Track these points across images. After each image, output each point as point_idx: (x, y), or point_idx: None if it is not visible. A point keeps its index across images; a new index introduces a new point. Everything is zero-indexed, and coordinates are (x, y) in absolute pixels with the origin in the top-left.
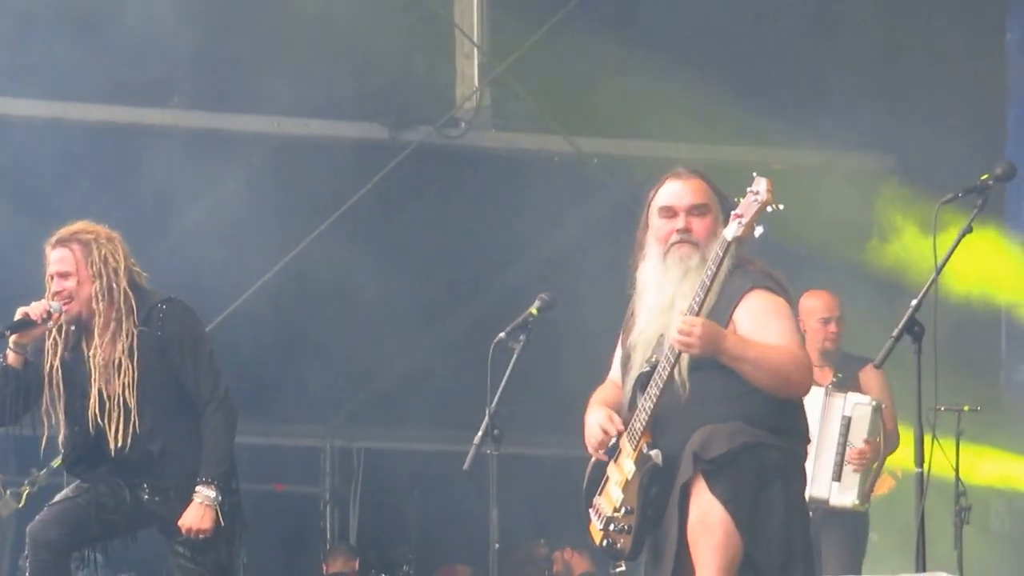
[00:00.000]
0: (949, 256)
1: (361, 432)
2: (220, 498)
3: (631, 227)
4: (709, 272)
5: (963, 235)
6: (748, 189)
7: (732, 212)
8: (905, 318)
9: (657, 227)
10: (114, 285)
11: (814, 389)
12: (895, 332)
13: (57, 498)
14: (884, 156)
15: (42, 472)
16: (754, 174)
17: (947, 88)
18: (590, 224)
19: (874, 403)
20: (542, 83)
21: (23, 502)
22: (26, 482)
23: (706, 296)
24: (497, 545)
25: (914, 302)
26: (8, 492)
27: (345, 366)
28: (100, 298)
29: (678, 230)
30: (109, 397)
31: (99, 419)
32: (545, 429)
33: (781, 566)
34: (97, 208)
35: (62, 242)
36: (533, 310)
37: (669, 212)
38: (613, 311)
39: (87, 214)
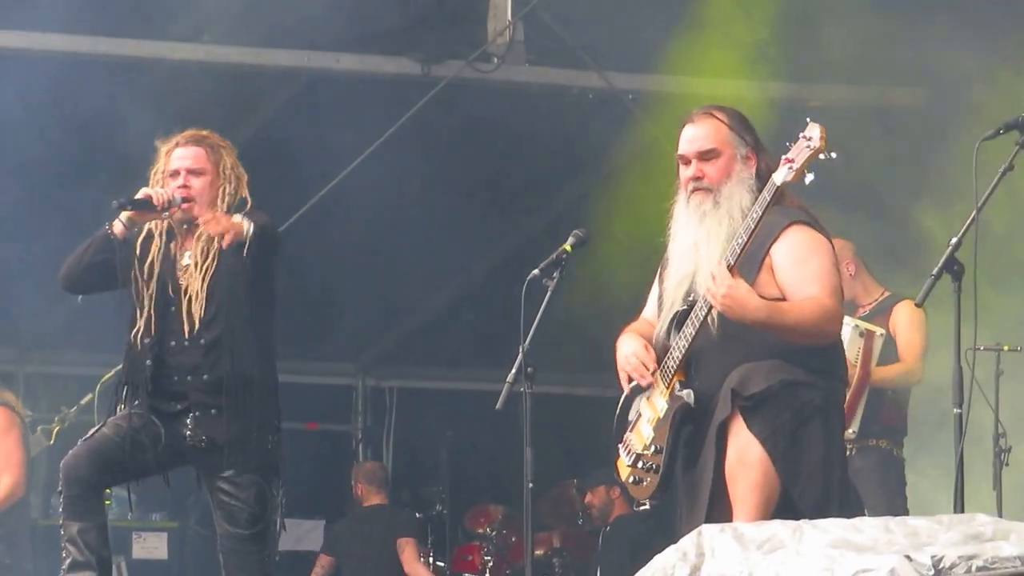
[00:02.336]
0: (990, 194)
1: (393, 371)
2: (251, 229)
3: (665, 164)
4: (754, 215)
5: (1004, 173)
6: (800, 134)
7: (784, 156)
8: (944, 257)
9: (680, 174)
10: (236, 192)
11: None
12: (934, 271)
13: (90, 434)
14: (917, 91)
15: (72, 409)
16: (808, 119)
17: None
18: (624, 161)
19: (858, 326)
20: (576, 17)
21: (53, 439)
22: (56, 419)
23: (748, 239)
24: (531, 485)
25: (953, 240)
26: (39, 429)
27: (377, 304)
28: (221, 201)
29: (691, 178)
30: (191, 293)
31: (172, 309)
32: (579, 368)
33: (818, 504)
34: (124, 142)
35: (195, 141)
36: (567, 247)
37: (683, 160)
38: (646, 248)
39: (114, 148)
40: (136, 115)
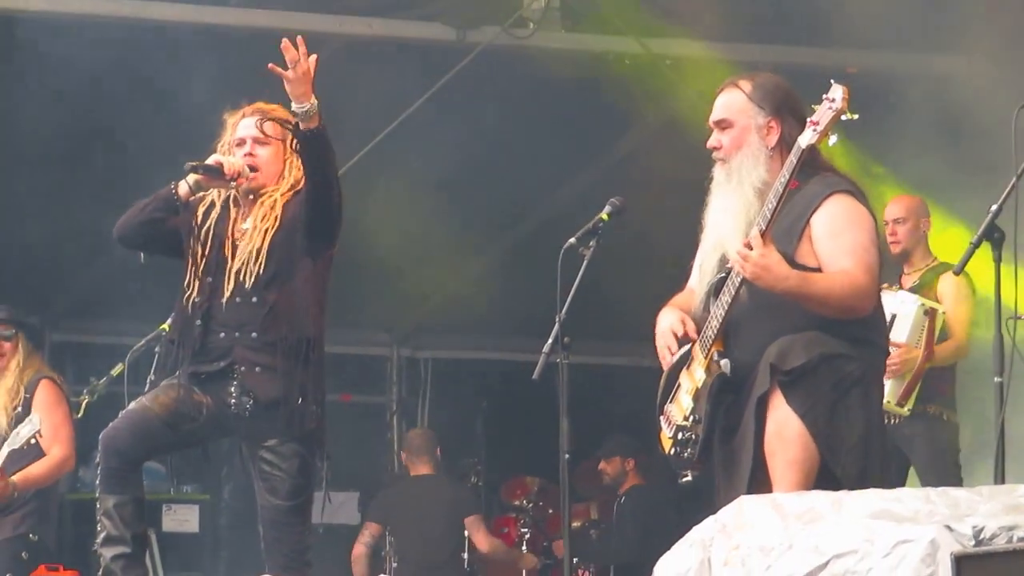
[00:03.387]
0: None
1: (428, 341)
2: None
3: (701, 130)
4: (782, 180)
5: None
6: (824, 96)
7: (809, 119)
8: (985, 224)
9: None
10: (299, 164)
11: None
12: (974, 238)
13: (132, 406)
14: (957, 58)
15: (101, 381)
16: (831, 81)
17: None
18: (661, 127)
19: (923, 304)
20: None
21: (82, 412)
22: (84, 391)
23: (778, 204)
24: (567, 456)
25: (994, 207)
26: None
27: (412, 274)
28: (288, 173)
29: (711, 147)
30: (249, 251)
31: (226, 270)
32: (617, 338)
33: (858, 477)
34: (149, 109)
35: (263, 113)
36: (604, 215)
37: (711, 128)
38: (685, 215)
39: (139, 116)
40: (163, 79)
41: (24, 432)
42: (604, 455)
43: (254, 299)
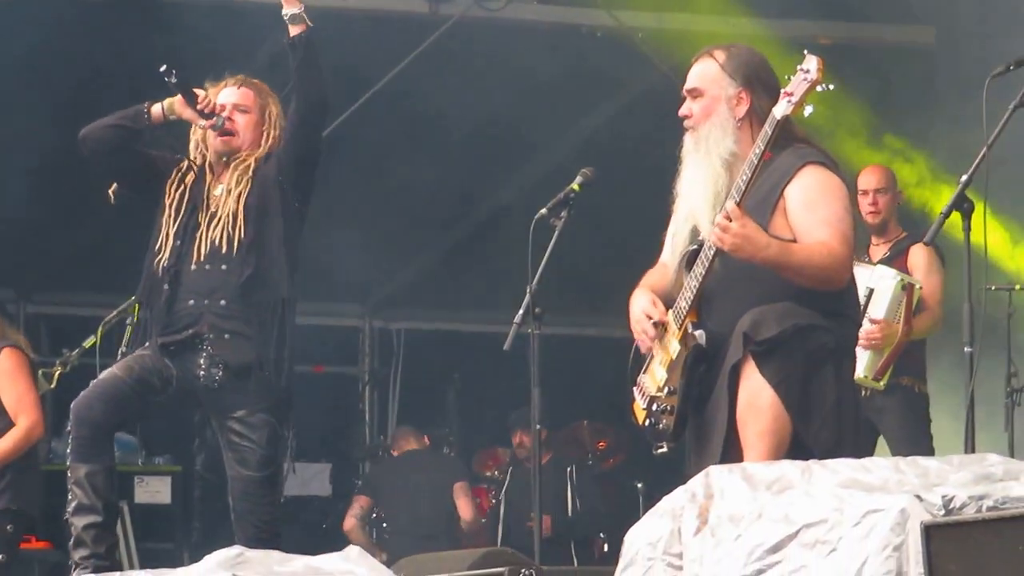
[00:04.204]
0: (1000, 131)
1: (400, 312)
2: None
3: (673, 103)
4: (757, 151)
5: (1015, 109)
6: (799, 67)
7: (783, 90)
8: (955, 194)
9: None
10: (277, 141)
11: None
12: (944, 208)
13: (103, 375)
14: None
15: (74, 352)
16: (805, 52)
17: None
18: (632, 99)
19: (901, 279)
20: None
21: (54, 383)
22: (57, 362)
23: (753, 175)
24: (539, 427)
25: (964, 178)
26: (40, 372)
27: (384, 244)
28: (265, 143)
29: (682, 115)
30: (222, 216)
31: (198, 234)
32: (589, 309)
33: (831, 448)
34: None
35: (244, 83)
36: (575, 186)
37: (683, 97)
38: (655, 187)
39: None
40: (129, 49)
41: None
42: (518, 427)
43: (223, 266)
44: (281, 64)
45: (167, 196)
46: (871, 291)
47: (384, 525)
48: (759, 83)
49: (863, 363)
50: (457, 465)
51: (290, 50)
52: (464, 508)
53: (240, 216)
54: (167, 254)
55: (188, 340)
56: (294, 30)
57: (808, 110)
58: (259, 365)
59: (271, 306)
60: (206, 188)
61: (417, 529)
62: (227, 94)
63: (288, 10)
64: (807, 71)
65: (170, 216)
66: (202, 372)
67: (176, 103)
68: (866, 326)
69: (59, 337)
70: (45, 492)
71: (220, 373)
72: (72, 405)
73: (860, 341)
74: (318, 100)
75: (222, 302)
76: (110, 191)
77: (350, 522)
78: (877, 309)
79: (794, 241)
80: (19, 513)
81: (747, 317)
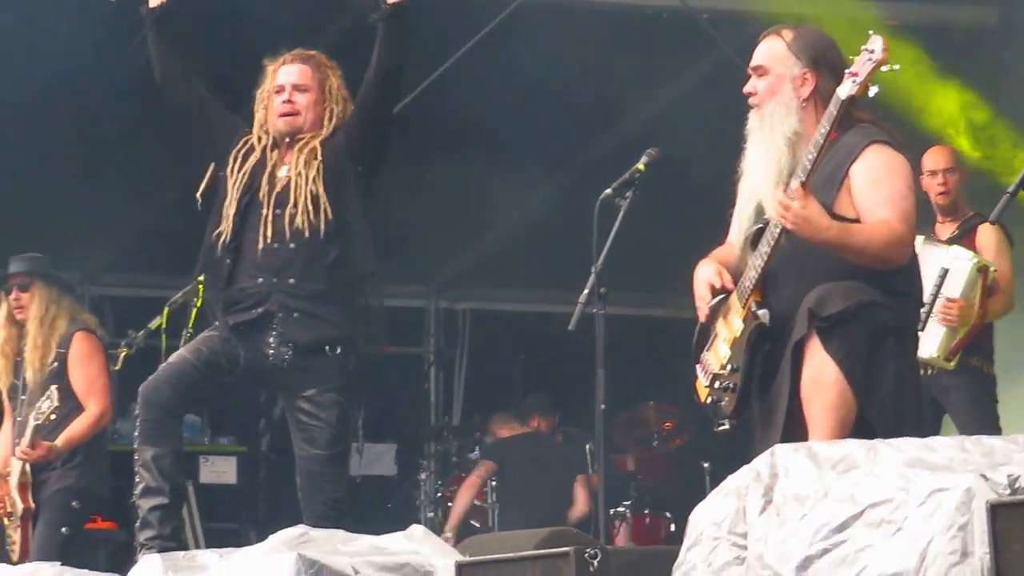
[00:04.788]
0: None
1: (466, 293)
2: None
3: (738, 84)
4: (822, 131)
5: None
6: (863, 47)
7: (847, 71)
8: (1022, 173)
9: None
10: (343, 114)
11: None
12: (1011, 187)
13: (171, 358)
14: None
15: (139, 334)
16: (870, 32)
17: None
18: (697, 81)
19: (977, 261)
20: None
21: (119, 364)
22: (123, 344)
23: (819, 154)
24: (603, 406)
25: None
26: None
27: (451, 225)
28: (328, 121)
29: (747, 92)
30: (289, 199)
31: (262, 214)
32: (654, 288)
33: (894, 425)
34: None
35: (302, 59)
36: (640, 166)
37: (749, 74)
38: (721, 167)
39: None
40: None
41: (44, 407)
42: (663, 407)
43: (293, 245)
44: (349, 42)
45: (229, 172)
46: (946, 271)
47: (496, 495)
48: (824, 64)
49: (936, 343)
50: (582, 456)
51: (384, 18)
52: (582, 500)
53: (319, 199)
54: (229, 233)
55: (257, 319)
56: None
57: (873, 91)
58: (330, 344)
59: (354, 285)
60: (270, 168)
61: (532, 507)
62: (284, 73)
63: None
64: (872, 51)
65: (232, 195)
66: (271, 351)
67: None
68: (941, 304)
69: (124, 319)
70: (111, 473)
71: (289, 352)
72: (141, 388)
73: (935, 318)
74: (397, 69)
75: (291, 281)
76: (198, 195)
77: (472, 480)
78: (952, 289)
79: (857, 220)
80: (86, 491)
81: (812, 294)
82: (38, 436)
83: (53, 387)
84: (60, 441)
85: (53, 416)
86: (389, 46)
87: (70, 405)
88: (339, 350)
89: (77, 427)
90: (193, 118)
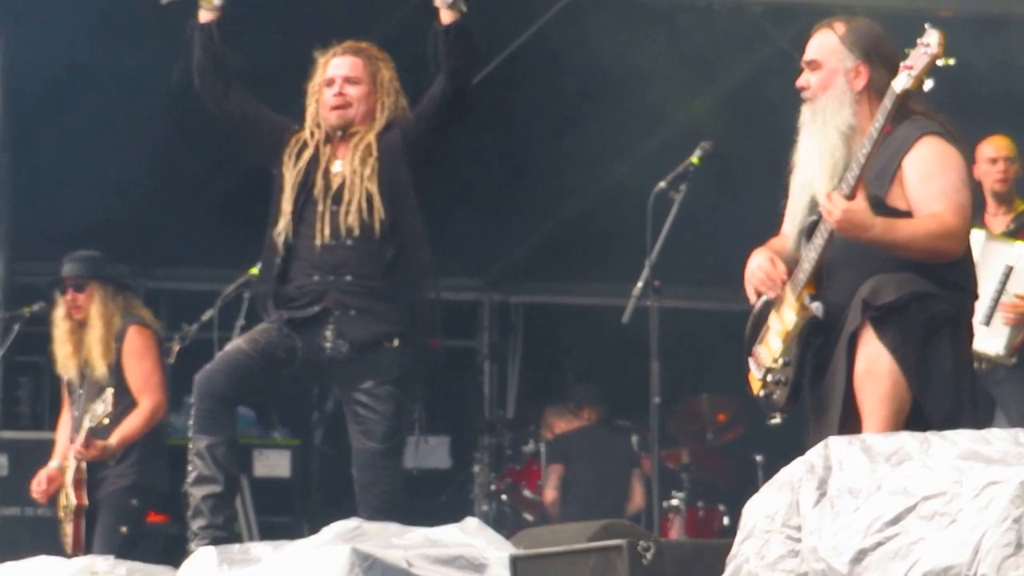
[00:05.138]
0: None
1: (520, 286)
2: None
3: (792, 76)
4: (877, 125)
5: None
6: (918, 40)
7: (902, 64)
8: None
9: None
10: (395, 106)
11: (975, 233)
12: None
13: (227, 348)
14: None
15: (192, 327)
16: (926, 25)
17: None
18: (751, 73)
19: None
20: None
21: (173, 358)
22: (176, 337)
23: (873, 149)
24: (658, 399)
25: None
26: None
27: (502, 217)
28: (380, 113)
29: (800, 87)
30: (345, 196)
31: (318, 211)
32: (708, 281)
33: (948, 416)
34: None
35: (353, 51)
36: (694, 159)
37: (802, 68)
38: (774, 160)
39: None
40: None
41: (99, 411)
42: (717, 399)
43: (350, 243)
44: (398, 41)
45: (284, 168)
46: (1010, 269)
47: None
48: (878, 56)
49: (1002, 340)
50: (634, 449)
51: (444, 37)
52: (638, 494)
53: (374, 196)
54: (284, 229)
55: (314, 316)
56: (448, 16)
57: (928, 84)
58: (387, 339)
59: (410, 281)
60: (324, 164)
61: (594, 501)
62: (336, 65)
63: None
64: (927, 44)
65: (287, 192)
66: (328, 345)
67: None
68: (1007, 302)
69: (178, 312)
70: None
71: (346, 347)
72: (196, 377)
73: (1000, 316)
74: (466, 89)
75: (348, 278)
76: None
77: (550, 495)
78: (1018, 286)
79: (910, 213)
80: (145, 489)
81: (866, 285)
82: (94, 435)
83: (108, 390)
84: (114, 439)
85: (106, 420)
86: (455, 63)
87: (125, 402)
88: (396, 344)
89: (131, 424)
90: (235, 125)
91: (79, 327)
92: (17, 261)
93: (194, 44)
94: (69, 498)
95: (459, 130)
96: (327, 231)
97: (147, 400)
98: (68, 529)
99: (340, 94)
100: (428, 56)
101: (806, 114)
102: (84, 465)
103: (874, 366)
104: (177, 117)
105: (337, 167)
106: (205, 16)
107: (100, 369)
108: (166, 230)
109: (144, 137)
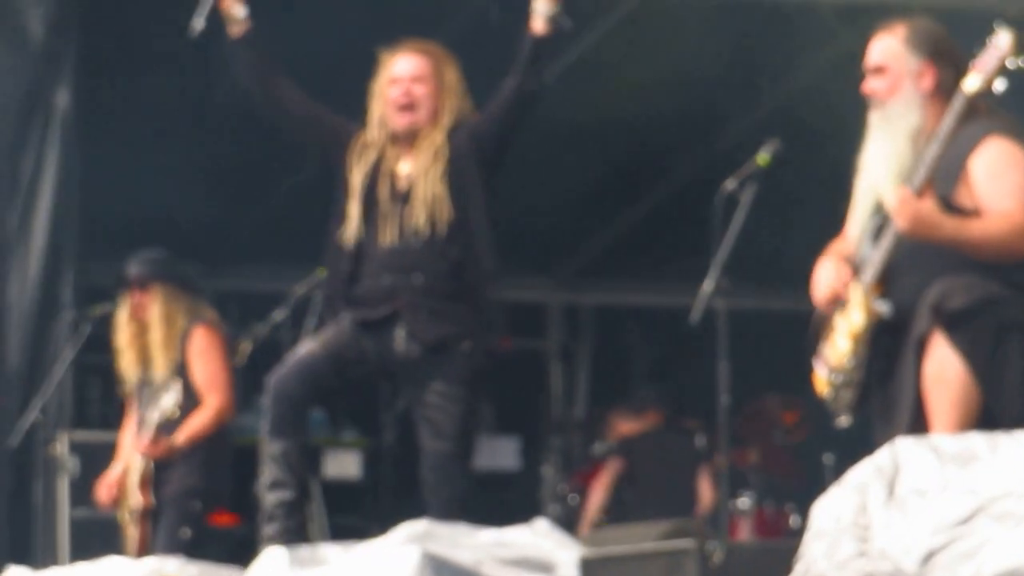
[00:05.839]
0: None
1: (589, 285)
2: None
3: (858, 76)
4: (946, 126)
5: None
6: (988, 41)
7: (972, 64)
8: None
9: None
10: (460, 107)
11: None
12: None
13: (299, 350)
14: None
15: (263, 327)
16: (995, 25)
17: None
18: (820, 72)
19: None
20: None
21: (244, 358)
22: (247, 338)
23: (940, 150)
24: (726, 399)
25: None
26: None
27: (571, 217)
28: (448, 115)
29: (867, 92)
30: (413, 196)
31: (387, 212)
32: (776, 281)
33: (1018, 418)
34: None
35: (417, 51)
36: (761, 159)
37: (866, 73)
38: (841, 160)
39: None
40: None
41: (169, 403)
42: (789, 400)
43: (419, 244)
44: (470, 41)
45: (349, 170)
46: None
47: (627, 491)
48: (942, 56)
49: None
50: (703, 448)
51: (531, 45)
52: (707, 492)
53: (442, 198)
54: (352, 230)
55: (385, 318)
56: (543, 27)
57: (999, 85)
58: (457, 340)
59: (478, 282)
60: (390, 164)
61: (663, 502)
62: (400, 65)
63: (549, 8)
64: (997, 46)
65: (353, 192)
66: (400, 346)
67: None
68: None
69: (249, 312)
70: (234, 466)
71: (417, 348)
72: (269, 380)
73: None
74: (537, 92)
75: (418, 279)
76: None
77: (604, 479)
78: None
79: (977, 212)
80: (208, 491)
81: (935, 289)
82: (161, 433)
83: (176, 384)
84: (180, 437)
85: (178, 412)
86: (532, 69)
87: (191, 402)
88: (466, 345)
89: (197, 423)
90: (297, 128)
91: (142, 328)
92: (87, 262)
93: (236, 61)
94: (135, 499)
95: (532, 128)
96: (395, 232)
97: (213, 399)
98: (132, 531)
99: (406, 93)
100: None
101: (875, 118)
102: (151, 465)
103: (944, 371)
104: (245, 114)
105: (404, 167)
106: (236, 30)
107: (163, 370)
108: (235, 229)
109: (214, 135)
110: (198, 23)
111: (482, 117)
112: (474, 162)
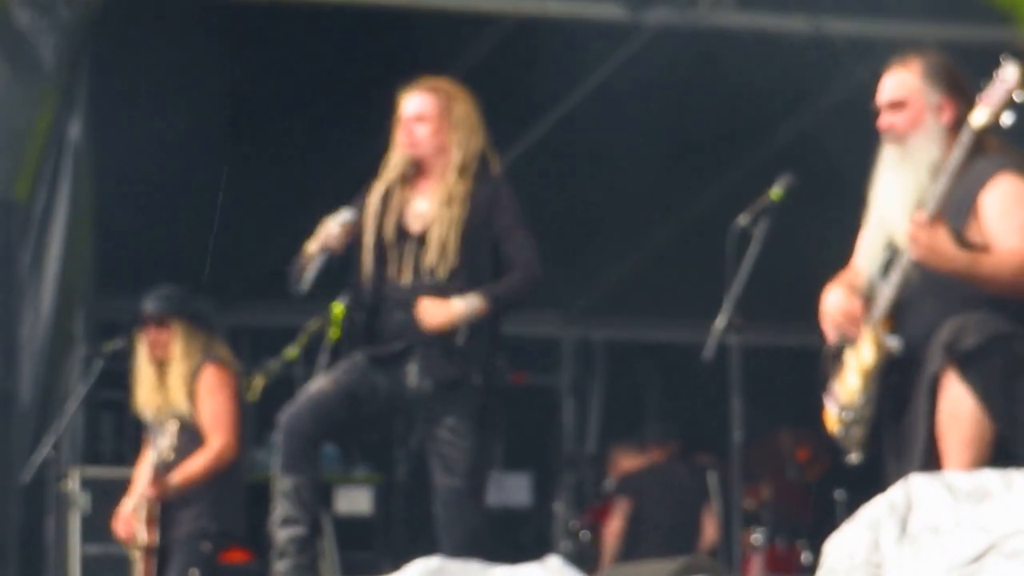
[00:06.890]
0: None
1: (601, 321)
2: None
3: (873, 110)
4: (955, 160)
5: None
6: (996, 74)
7: (979, 97)
8: None
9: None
10: (468, 142)
11: None
12: None
13: (311, 387)
14: None
15: (275, 363)
16: (1002, 58)
17: None
18: (833, 107)
19: None
20: None
21: (257, 394)
22: (260, 373)
23: (950, 184)
24: (738, 435)
25: None
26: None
27: (584, 253)
28: (458, 149)
29: (884, 128)
30: (428, 235)
31: (403, 250)
32: (788, 318)
33: None
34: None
35: (424, 89)
36: (774, 194)
37: (879, 109)
38: (852, 195)
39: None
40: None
41: (163, 444)
42: (799, 436)
43: (432, 281)
44: (476, 76)
45: (364, 212)
46: None
47: (631, 528)
48: (958, 89)
49: None
50: (706, 485)
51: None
52: (710, 529)
53: (456, 242)
54: (368, 268)
55: (398, 354)
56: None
57: (1007, 118)
58: (470, 376)
59: (484, 320)
60: (405, 202)
61: (666, 539)
62: (407, 105)
63: None
64: (1004, 79)
65: (368, 231)
66: (412, 382)
67: (341, 234)
68: None
69: (261, 348)
70: (245, 502)
71: (431, 384)
72: (281, 417)
73: None
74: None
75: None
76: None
77: (616, 524)
78: None
79: (986, 247)
80: (219, 533)
81: (946, 327)
82: (159, 472)
83: (172, 423)
84: (176, 477)
85: (172, 455)
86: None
87: (196, 441)
88: (479, 381)
89: (195, 463)
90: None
91: (161, 365)
92: (99, 297)
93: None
94: (141, 536)
95: (540, 163)
96: (410, 271)
97: (216, 440)
98: (141, 568)
99: (408, 134)
100: None
101: (893, 153)
102: (156, 504)
103: (957, 410)
104: (260, 149)
105: (420, 206)
106: (335, 245)
107: (181, 407)
108: (248, 265)
109: (225, 170)
110: (306, 283)
111: (503, 224)
112: (492, 214)
